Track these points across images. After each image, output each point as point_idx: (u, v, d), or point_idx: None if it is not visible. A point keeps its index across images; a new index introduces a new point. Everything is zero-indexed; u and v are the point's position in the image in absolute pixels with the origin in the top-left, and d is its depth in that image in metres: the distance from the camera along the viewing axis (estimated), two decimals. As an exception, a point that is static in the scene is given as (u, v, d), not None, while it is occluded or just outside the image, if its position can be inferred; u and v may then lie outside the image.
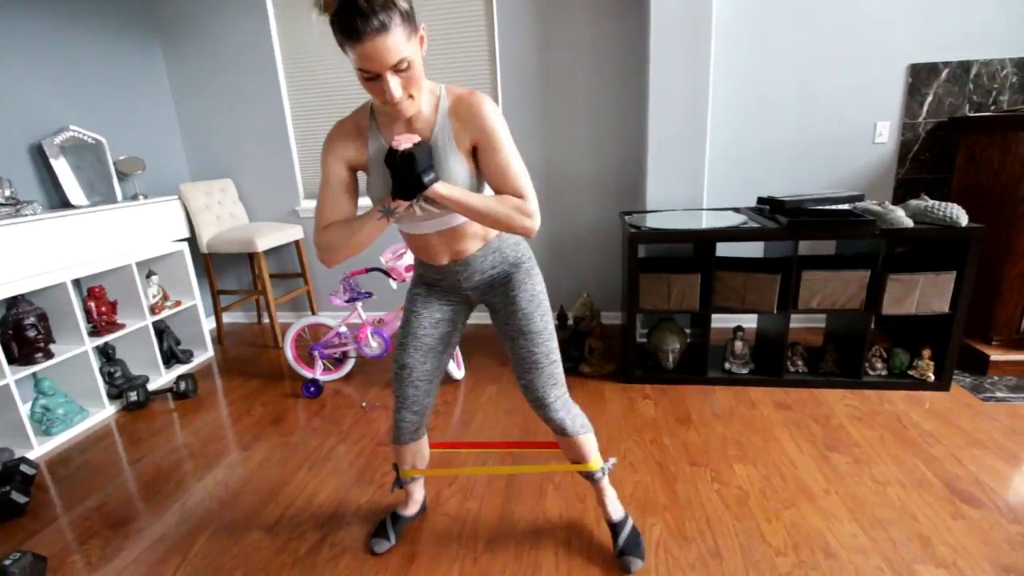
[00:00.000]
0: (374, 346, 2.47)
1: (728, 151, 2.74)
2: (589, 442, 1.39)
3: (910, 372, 2.21)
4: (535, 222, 1.10)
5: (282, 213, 3.29)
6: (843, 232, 2.03)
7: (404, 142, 1.00)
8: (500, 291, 1.30)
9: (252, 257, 3.29)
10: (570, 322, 2.65)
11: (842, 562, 1.36)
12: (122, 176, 2.82)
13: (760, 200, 2.39)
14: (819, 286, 2.13)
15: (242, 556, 1.51)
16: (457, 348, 2.63)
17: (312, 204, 3.26)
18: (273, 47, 3.03)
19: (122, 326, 2.53)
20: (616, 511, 1.46)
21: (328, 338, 2.47)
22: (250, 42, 3.04)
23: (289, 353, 2.54)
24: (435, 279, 1.31)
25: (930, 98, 2.52)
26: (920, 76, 2.50)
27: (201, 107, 3.20)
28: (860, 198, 2.16)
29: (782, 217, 2.12)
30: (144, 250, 2.65)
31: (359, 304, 2.43)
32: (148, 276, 2.75)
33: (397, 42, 0.92)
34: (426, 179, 1.01)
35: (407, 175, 0.99)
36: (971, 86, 2.48)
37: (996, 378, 2.25)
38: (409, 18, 0.95)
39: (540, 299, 1.30)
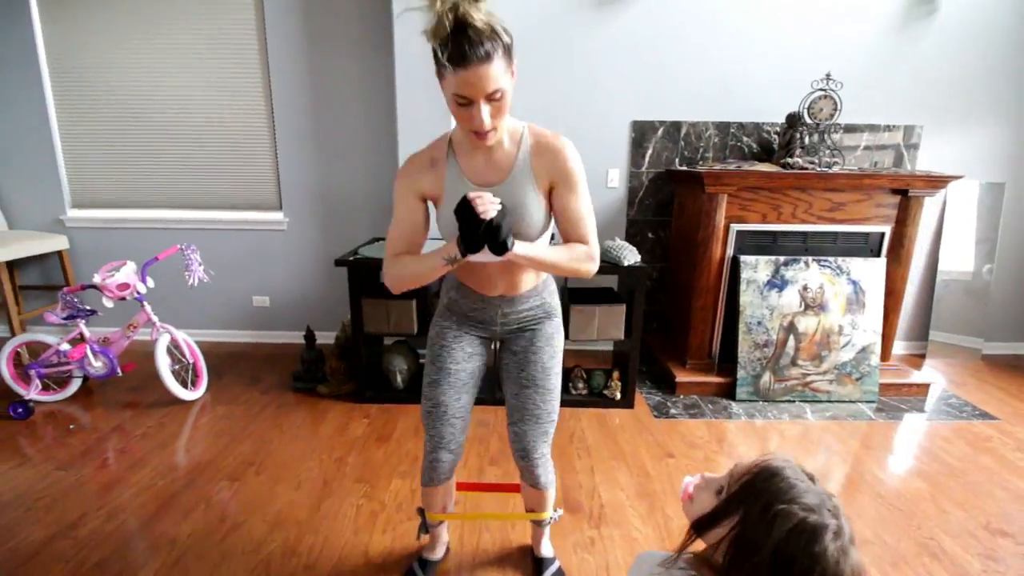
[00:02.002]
0: (97, 365, 2.40)
1: None
2: (552, 495, 1.43)
3: (605, 392, 2.50)
4: (596, 265, 1.17)
5: (47, 222, 3.13)
6: None
7: (489, 206, 0.98)
8: (527, 336, 1.30)
9: None
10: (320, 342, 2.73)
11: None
12: None
13: None
14: (518, 314, 2.36)
15: None
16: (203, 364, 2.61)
17: (82, 214, 3.12)
18: (36, 46, 2.89)
19: None
20: (547, 550, 1.54)
21: (46, 356, 2.36)
22: (5, 38, 2.89)
23: (5, 371, 2.41)
24: (472, 310, 1.28)
25: (650, 151, 2.89)
26: (641, 131, 2.86)
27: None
28: None
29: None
30: None
31: (82, 322, 2.36)
32: None
33: (497, 72, 0.96)
34: (509, 243, 1.02)
35: (491, 240, 1.00)
36: (682, 143, 2.88)
37: (681, 397, 2.59)
38: (510, 51, 0.98)
39: (559, 358, 1.32)
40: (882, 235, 2.59)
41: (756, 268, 2.52)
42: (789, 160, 2.60)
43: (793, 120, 2.63)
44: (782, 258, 2.52)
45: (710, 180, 2.44)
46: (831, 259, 2.53)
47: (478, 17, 0.92)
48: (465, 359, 1.29)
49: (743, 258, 2.52)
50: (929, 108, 2.87)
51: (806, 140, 2.66)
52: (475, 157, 1.12)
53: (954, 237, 3.02)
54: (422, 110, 2.61)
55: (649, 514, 1.74)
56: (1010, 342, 3.21)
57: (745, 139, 2.87)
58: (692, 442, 2.19)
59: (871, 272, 2.54)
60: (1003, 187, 2.98)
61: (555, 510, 1.49)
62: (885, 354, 2.68)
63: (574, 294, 2.53)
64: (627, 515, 1.74)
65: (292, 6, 2.80)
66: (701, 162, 2.89)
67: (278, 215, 3.09)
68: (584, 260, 1.14)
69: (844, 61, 2.76)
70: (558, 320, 1.33)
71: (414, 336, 2.40)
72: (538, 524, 1.49)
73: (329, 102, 2.93)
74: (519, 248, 1.05)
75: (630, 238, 3.00)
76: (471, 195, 0.99)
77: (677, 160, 2.89)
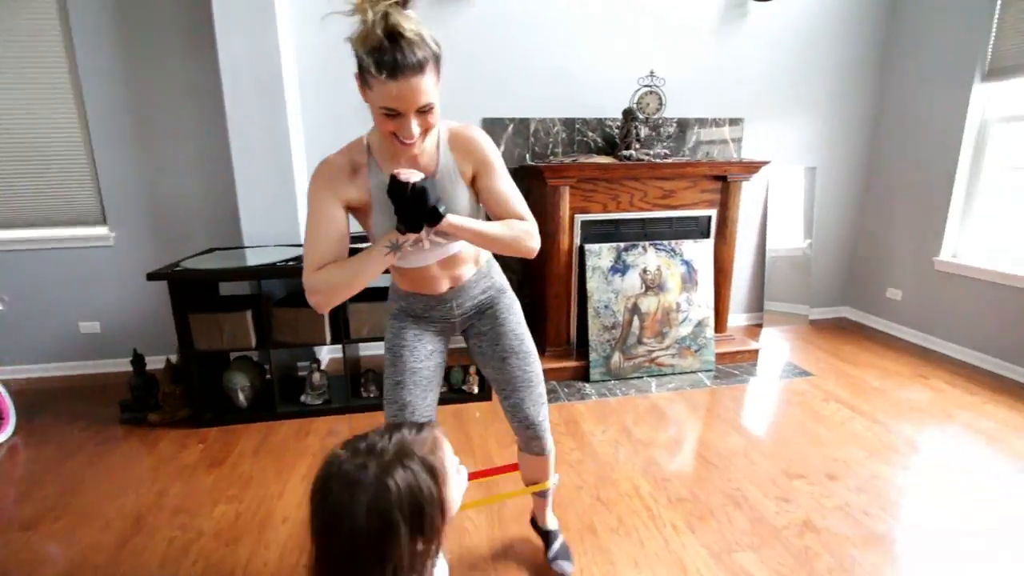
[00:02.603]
0: None
1: None
2: (552, 460, 1.41)
3: (463, 387, 2.52)
4: (538, 242, 1.16)
5: None
6: None
7: (410, 176, 0.96)
8: (488, 315, 1.31)
9: None
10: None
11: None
12: None
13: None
14: (365, 316, 2.31)
15: None
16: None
17: None
18: None
19: None
20: (552, 522, 1.55)
21: None
22: None
23: None
24: (426, 309, 1.27)
25: (502, 148, 2.95)
26: (492, 128, 2.91)
27: None
28: None
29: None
30: None
31: None
32: None
33: (428, 85, 0.93)
34: (441, 209, 0.99)
35: (420, 208, 0.97)
36: (532, 139, 2.97)
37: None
38: (439, 62, 0.96)
39: (525, 324, 1.35)
40: (709, 218, 2.85)
41: (600, 255, 2.66)
42: (624, 152, 2.78)
43: (628, 115, 2.81)
44: (623, 244, 2.68)
45: (549, 173, 2.54)
46: (666, 243, 2.73)
47: (408, 27, 0.89)
48: (427, 356, 1.27)
49: (588, 246, 2.65)
50: (749, 103, 3.19)
51: (641, 134, 2.86)
52: (397, 162, 1.07)
53: (779, 217, 3.40)
54: (253, 110, 2.46)
55: (483, 505, 1.75)
56: (831, 306, 3.68)
57: (590, 134, 3.02)
58: (542, 427, 2.26)
59: (700, 252, 2.77)
60: (815, 171, 3.40)
61: (554, 476, 1.47)
62: (721, 326, 2.95)
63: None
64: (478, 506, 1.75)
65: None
66: (551, 157, 3.01)
67: (102, 230, 2.77)
68: (524, 234, 1.12)
69: (670, 60, 2.99)
70: (511, 292, 1.37)
71: (252, 349, 2.27)
72: (543, 495, 1.48)
73: (150, 102, 2.67)
74: (453, 217, 1.03)
75: (490, 234, 3.04)
76: (396, 171, 0.98)
77: (527, 156, 2.98)
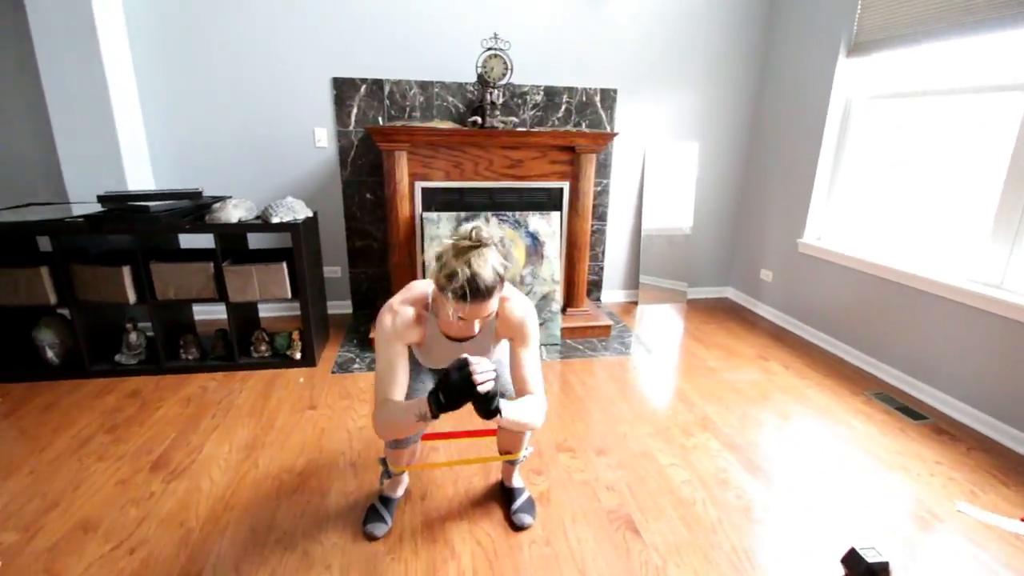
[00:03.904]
0: None
1: (172, 146, 2.76)
2: (528, 435, 1.53)
3: (288, 352, 2.49)
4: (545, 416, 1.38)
5: None
6: (144, 227, 2.17)
7: (486, 376, 1.12)
8: None
9: None
10: None
11: None
12: None
13: (99, 198, 2.32)
14: (170, 277, 2.26)
15: None
16: None
17: None
18: None
19: None
20: (518, 481, 1.68)
21: None
22: None
23: None
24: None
25: (355, 109, 2.85)
26: (343, 89, 2.81)
27: None
28: (198, 195, 2.35)
29: (82, 215, 2.17)
30: None
31: None
32: None
33: (493, 304, 1.18)
34: (499, 410, 1.16)
35: (484, 407, 1.14)
36: (387, 101, 2.87)
37: (377, 354, 2.65)
38: (503, 282, 1.19)
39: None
40: (561, 190, 2.77)
41: (438, 224, 2.59)
42: (470, 119, 2.68)
43: (481, 80, 2.71)
44: (463, 214, 2.62)
45: (379, 136, 2.45)
46: (509, 213, 2.67)
47: (487, 275, 1.11)
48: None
49: (425, 214, 2.58)
50: (623, 75, 3.07)
51: (498, 100, 2.75)
52: (451, 322, 1.25)
53: (658, 194, 3.32)
54: (67, 61, 2.35)
55: (233, 467, 1.74)
56: (716, 286, 3.63)
57: (450, 99, 2.91)
58: (348, 393, 2.23)
59: (548, 225, 2.70)
60: (695, 148, 3.31)
61: (527, 448, 1.57)
62: (578, 300, 2.91)
63: (229, 254, 2.45)
64: (209, 469, 1.73)
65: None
66: (410, 121, 2.91)
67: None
68: (541, 412, 1.33)
69: (523, 22, 2.87)
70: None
71: (52, 306, 2.22)
72: (512, 464, 1.63)
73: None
74: (507, 412, 1.20)
75: (347, 199, 2.97)
76: (471, 361, 1.13)
77: (382, 119, 2.89)
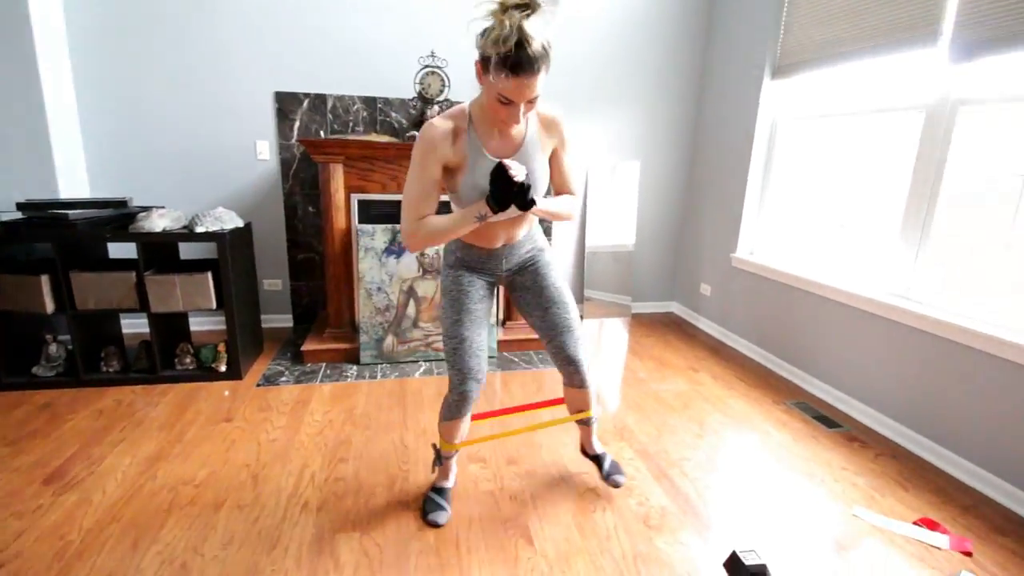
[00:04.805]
0: None
1: (112, 160, 2.76)
2: (592, 392, 1.65)
3: (213, 365, 2.46)
4: (579, 212, 1.53)
5: None
6: (62, 235, 2.12)
7: (518, 174, 1.17)
8: (530, 271, 1.50)
9: None
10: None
11: None
12: None
13: (18, 205, 2.28)
14: (91, 287, 2.23)
15: None
16: None
17: None
18: None
19: None
20: (599, 447, 1.76)
21: None
22: None
23: None
24: (479, 262, 1.45)
25: (298, 123, 2.88)
26: (286, 103, 2.84)
27: None
28: (123, 204, 2.34)
29: None
30: None
31: None
32: None
33: (540, 82, 1.13)
34: (534, 200, 1.22)
35: (521, 199, 1.19)
36: (330, 116, 2.91)
37: (309, 365, 2.62)
38: (550, 63, 1.14)
39: (562, 276, 1.56)
40: (498, 204, 2.81)
41: (373, 236, 2.61)
42: (409, 133, 2.73)
43: (421, 96, 2.76)
44: (398, 226, 2.64)
45: (312, 149, 2.47)
46: (448, 226, 2.68)
47: (535, 38, 1.07)
48: (479, 300, 1.47)
49: (360, 227, 2.59)
50: (566, 94, 3.17)
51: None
52: (491, 131, 1.28)
53: (602, 211, 3.38)
54: (2, 76, 2.37)
55: (130, 479, 1.70)
56: (661, 300, 3.69)
57: (393, 114, 2.96)
58: (267, 406, 2.20)
59: (491, 238, 2.73)
60: (637, 166, 3.39)
61: (595, 409, 1.69)
62: (517, 314, 2.93)
63: (153, 264, 2.43)
64: (105, 482, 1.68)
65: None
66: (352, 134, 2.95)
67: None
68: (576, 206, 1.45)
69: (467, 41, 2.93)
70: (550, 251, 1.57)
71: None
72: (587, 423, 1.70)
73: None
74: (540, 204, 1.28)
75: (289, 211, 2.98)
76: (505, 162, 1.17)
77: (324, 133, 2.92)
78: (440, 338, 2.69)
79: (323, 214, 2.60)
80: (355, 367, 2.60)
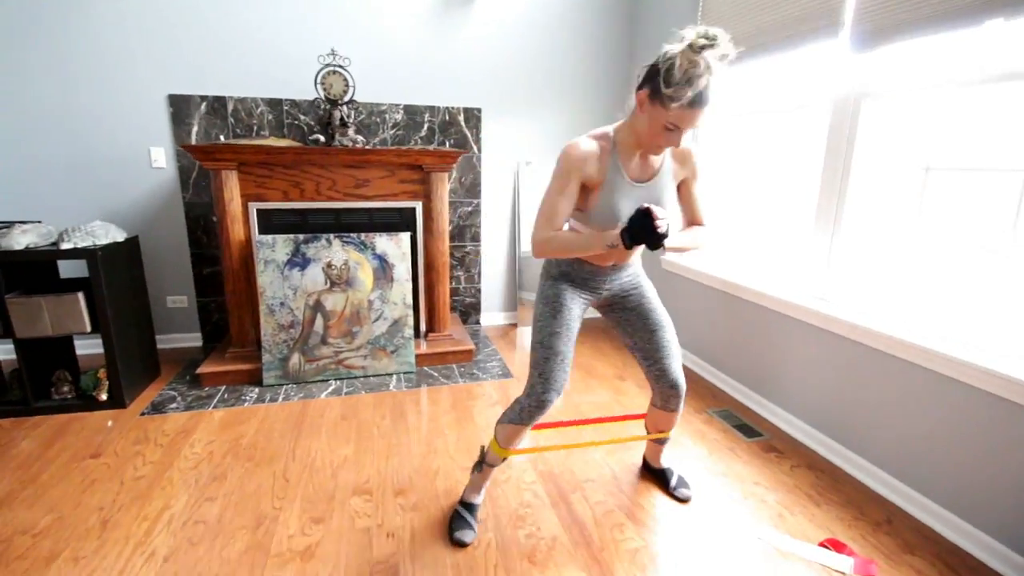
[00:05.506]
0: None
1: (6, 165, 2.53)
2: (679, 417, 1.76)
3: (93, 393, 2.25)
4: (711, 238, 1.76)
5: None
6: None
7: (661, 221, 1.18)
8: (634, 295, 1.53)
9: None
10: None
11: None
12: None
13: None
14: (35, 311, 2.02)
15: None
16: None
17: None
18: None
19: None
20: (667, 461, 1.85)
21: None
22: None
23: None
24: (585, 278, 1.48)
25: (195, 127, 2.69)
26: (181, 106, 2.64)
27: None
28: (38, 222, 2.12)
29: None
30: None
31: None
32: None
33: (706, 115, 1.19)
34: (667, 243, 1.29)
35: (657, 241, 1.19)
36: (232, 120, 2.72)
37: (206, 389, 2.42)
38: None
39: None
40: (414, 210, 2.67)
41: (274, 247, 2.42)
42: (312, 137, 2.56)
43: (328, 98, 2.60)
44: (302, 236, 2.46)
45: (199, 154, 2.28)
46: (354, 235, 2.52)
47: (716, 75, 1.13)
48: (577, 317, 1.49)
49: (259, 237, 2.40)
50: (488, 94, 3.03)
51: (348, 118, 2.65)
52: (632, 157, 1.33)
53: (531, 213, 3.26)
54: None
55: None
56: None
57: (302, 117, 2.79)
58: (145, 437, 1.99)
59: (397, 247, 2.56)
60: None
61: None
62: (439, 325, 2.78)
63: (21, 284, 2.20)
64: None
65: None
66: (258, 140, 2.76)
67: None
68: (707, 236, 1.49)
69: (374, 41, 2.80)
70: (646, 277, 1.65)
71: None
72: (661, 443, 1.75)
73: None
74: (670, 241, 1.33)
75: (191, 222, 2.77)
76: (654, 210, 1.19)
77: (224, 137, 2.73)
78: (352, 355, 2.52)
79: (218, 225, 2.41)
80: (257, 389, 2.40)
